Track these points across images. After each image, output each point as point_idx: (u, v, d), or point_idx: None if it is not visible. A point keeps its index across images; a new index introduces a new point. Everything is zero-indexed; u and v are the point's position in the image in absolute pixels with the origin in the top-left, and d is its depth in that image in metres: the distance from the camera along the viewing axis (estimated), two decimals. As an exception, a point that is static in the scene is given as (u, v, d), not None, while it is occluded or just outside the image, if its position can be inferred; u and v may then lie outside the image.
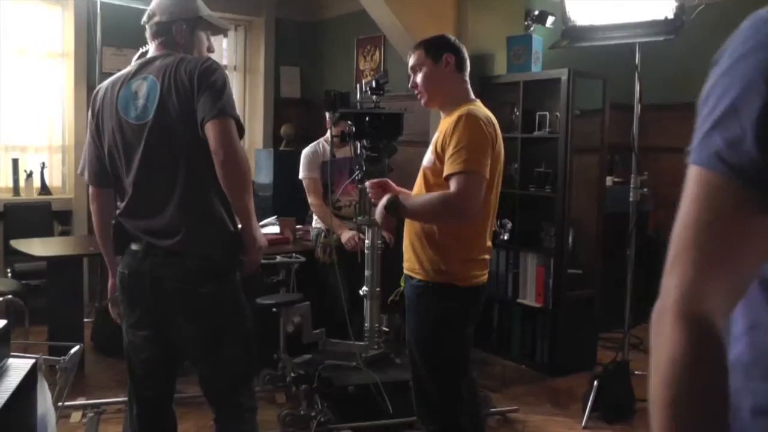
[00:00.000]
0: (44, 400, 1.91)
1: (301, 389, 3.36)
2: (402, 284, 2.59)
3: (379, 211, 2.43)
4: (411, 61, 2.52)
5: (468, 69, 2.53)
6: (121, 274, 2.24)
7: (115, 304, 2.38)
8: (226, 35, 5.77)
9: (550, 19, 4.41)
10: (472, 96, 2.52)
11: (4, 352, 1.07)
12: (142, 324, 2.24)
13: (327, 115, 3.29)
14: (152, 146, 2.13)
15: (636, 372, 3.67)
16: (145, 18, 2.28)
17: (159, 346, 2.26)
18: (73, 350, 2.31)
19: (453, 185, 2.26)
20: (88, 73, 5.36)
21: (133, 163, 2.17)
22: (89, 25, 5.19)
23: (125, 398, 2.55)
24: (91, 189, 2.36)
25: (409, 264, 2.46)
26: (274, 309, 3.61)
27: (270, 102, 6.55)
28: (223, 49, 6.55)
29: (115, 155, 2.22)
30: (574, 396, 3.88)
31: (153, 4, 2.28)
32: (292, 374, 3.43)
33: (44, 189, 5.51)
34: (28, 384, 1.04)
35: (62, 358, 2.28)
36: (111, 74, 2.36)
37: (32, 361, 1.08)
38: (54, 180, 5.64)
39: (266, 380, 3.78)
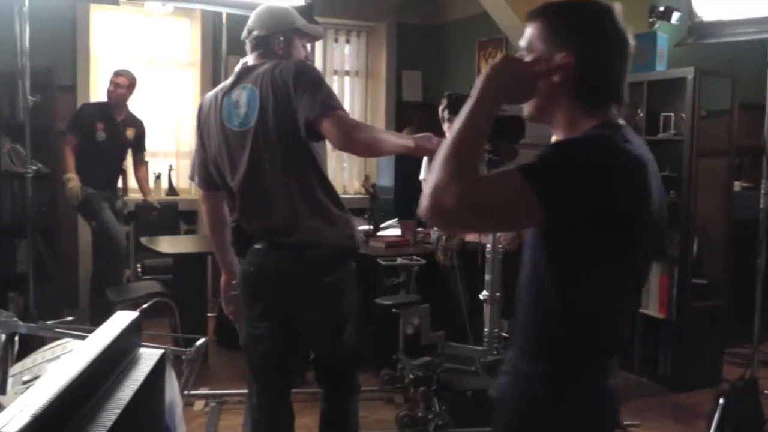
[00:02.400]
0: (172, 388, 2.02)
1: (420, 391, 3.38)
2: None
3: None
4: None
5: None
6: (246, 271, 2.34)
7: (231, 303, 2.49)
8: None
9: (676, 15, 4.26)
10: None
11: (137, 341, 1.14)
12: (265, 317, 2.33)
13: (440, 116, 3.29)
14: (257, 151, 2.22)
15: (766, 391, 3.45)
16: (244, 33, 2.38)
17: (280, 338, 2.35)
18: (198, 342, 2.41)
19: None
20: (214, 81, 5.60)
21: (238, 169, 2.27)
22: (215, 35, 5.45)
23: (246, 390, 2.66)
24: (201, 192, 2.52)
25: None
26: (393, 309, 3.64)
27: (392, 106, 6.63)
28: (345, 55, 6.70)
29: (220, 162, 2.34)
30: (698, 413, 3.68)
31: (251, 20, 2.37)
32: (411, 376, 3.45)
33: (171, 190, 5.83)
34: (157, 372, 1.11)
35: (188, 349, 2.39)
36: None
37: (161, 351, 1.14)
38: (181, 182, 5.96)
39: (385, 380, 3.82)
